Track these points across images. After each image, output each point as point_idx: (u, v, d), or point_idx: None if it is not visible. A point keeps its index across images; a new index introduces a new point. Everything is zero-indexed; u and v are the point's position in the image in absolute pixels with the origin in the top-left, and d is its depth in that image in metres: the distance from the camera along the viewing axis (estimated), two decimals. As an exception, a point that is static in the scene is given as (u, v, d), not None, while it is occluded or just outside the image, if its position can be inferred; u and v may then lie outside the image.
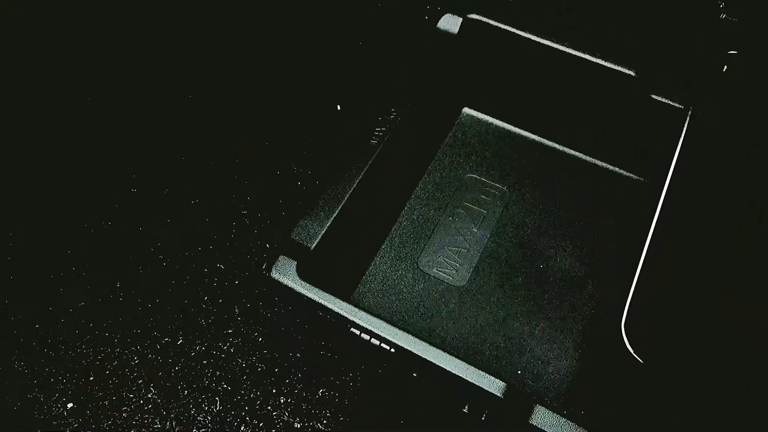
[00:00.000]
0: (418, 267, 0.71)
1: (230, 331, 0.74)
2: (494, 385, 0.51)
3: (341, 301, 0.55)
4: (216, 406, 0.70)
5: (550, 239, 0.73)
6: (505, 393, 0.51)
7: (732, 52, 0.65)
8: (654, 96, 0.68)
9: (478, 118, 0.83)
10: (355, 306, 0.57)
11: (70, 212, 0.83)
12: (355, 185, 0.64)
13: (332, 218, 0.61)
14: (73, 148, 0.89)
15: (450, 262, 0.72)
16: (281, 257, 0.57)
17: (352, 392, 0.70)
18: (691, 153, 0.61)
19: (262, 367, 0.72)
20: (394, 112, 0.70)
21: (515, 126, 0.81)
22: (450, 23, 0.75)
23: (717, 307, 0.44)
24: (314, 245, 0.59)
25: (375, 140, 0.67)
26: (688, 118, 0.63)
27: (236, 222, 0.82)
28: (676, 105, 0.66)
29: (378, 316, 0.57)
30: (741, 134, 0.58)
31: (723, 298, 0.44)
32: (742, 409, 0.41)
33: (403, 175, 0.77)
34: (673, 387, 0.47)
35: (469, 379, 0.51)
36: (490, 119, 0.83)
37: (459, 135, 0.82)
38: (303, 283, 0.56)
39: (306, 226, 0.60)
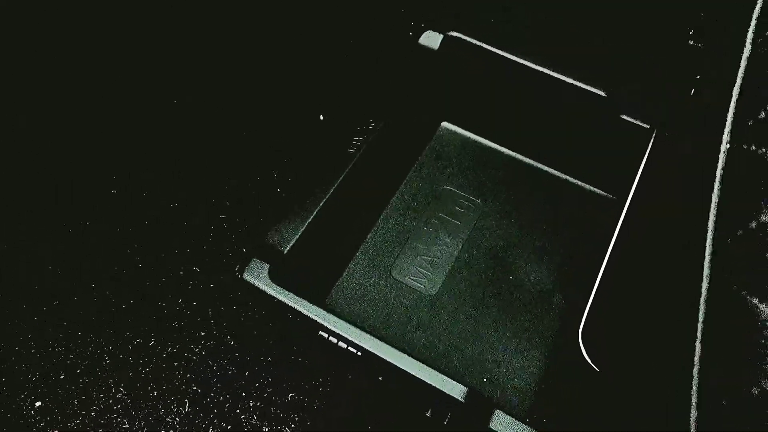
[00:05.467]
0: (391, 275, 0.73)
1: (203, 333, 0.74)
2: (456, 390, 0.52)
3: (310, 304, 0.56)
4: (185, 408, 0.70)
5: (520, 251, 0.75)
6: (466, 397, 0.52)
7: (698, 76, 0.68)
8: (623, 116, 0.71)
9: (456, 132, 0.85)
10: (324, 310, 0.58)
11: (48, 212, 0.83)
12: (330, 192, 0.65)
13: (306, 224, 0.62)
14: (52, 148, 0.90)
15: (422, 271, 0.73)
16: (254, 260, 0.58)
17: (321, 397, 0.71)
18: (655, 171, 0.63)
19: (232, 370, 0.72)
20: (372, 122, 0.71)
21: (492, 141, 0.84)
22: (431, 40, 0.77)
23: (671, 317, 0.45)
24: (287, 249, 0.60)
25: (353, 149, 0.69)
26: (653, 138, 0.65)
27: (214, 226, 0.82)
28: (643, 125, 0.69)
29: (347, 320, 0.58)
30: (705, 154, 0.60)
31: (676, 307, 0.46)
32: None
33: (380, 185, 0.78)
34: (627, 394, 0.48)
35: (431, 383, 0.52)
36: (467, 133, 0.85)
37: (437, 148, 0.84)
38: (274, 285, 0.57)
39: (280, 230, 0.61)
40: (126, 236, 0.81)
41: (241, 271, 0.57)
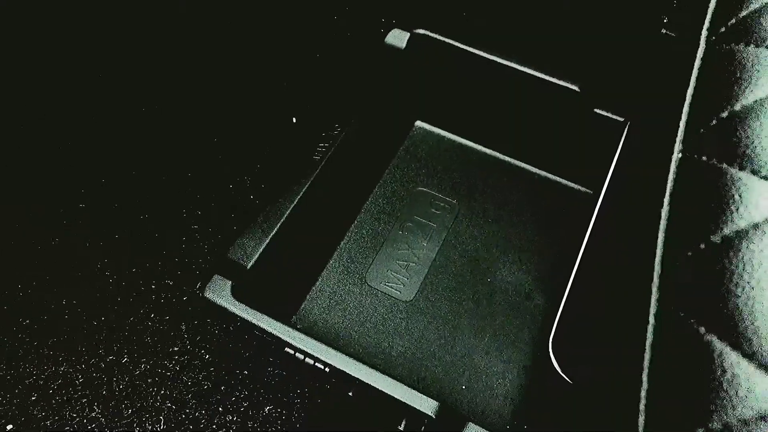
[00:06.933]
0: (365, 282, 0.71)
1: (176, 348, 0.73)
2: (426, 405, 0.51)
3: (275, 322, 0.54)
4: (160, 425, 0.69)
5: (498, 252, 0.73)
6: (437, 412, 0.51)
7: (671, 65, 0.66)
8: (597, 110, 0.69)
9: (430, 131, 0.83)
10: (293, 325, 0.57)
11: (16, 227, 0.82)
12: (295, 202, 0.63)
13: (270, 236, 0.60)
14: (20, 162, 0.87)
15: (398, 277, 0.71)
16: (215, 276, 0.56)
17: (300, 409, 0.69)
18: (630, 165, 0.61)
19: (208, 385, 0.71)
20: (338, 127, 0.69)
21: (467, 139, 0.82)
22: (397, 38, 0.75)
23: (641, 326, 0.43)
24: (251, 264, 0.59)
25: (318, 156, 0.67)
26: (625, 131, 0.63)
27: (186, 237, 0.81)
28: (617, 118, 0.67)
29: (317, 334, 0.56)
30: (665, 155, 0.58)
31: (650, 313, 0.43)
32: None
33: (353, 189, 0.77)
34: (603, 408, 0.46)
35: (401, 399, 0.51)
36: (442, 132, 0.83)
37: (411, 148, 0.82)
38: (237, 303, 0.55)
39: (243, 244, 0.60)
40: (96, 250, 0.79)
41: (202, 289, 0.55)
